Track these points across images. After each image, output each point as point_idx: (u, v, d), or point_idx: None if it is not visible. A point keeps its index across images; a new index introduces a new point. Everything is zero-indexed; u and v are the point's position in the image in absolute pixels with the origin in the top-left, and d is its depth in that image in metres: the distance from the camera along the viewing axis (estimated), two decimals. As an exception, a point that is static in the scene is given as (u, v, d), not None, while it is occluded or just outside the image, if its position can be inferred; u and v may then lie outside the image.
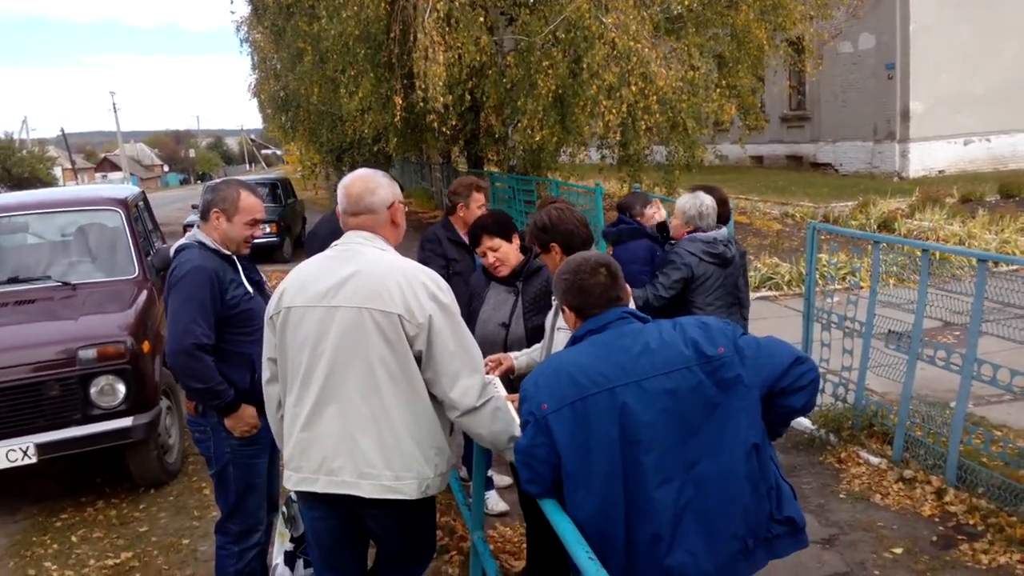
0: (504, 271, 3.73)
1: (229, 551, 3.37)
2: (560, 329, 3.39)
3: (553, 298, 3.52)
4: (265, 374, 2.80)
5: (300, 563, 3.10)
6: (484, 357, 2.87)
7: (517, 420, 2.62)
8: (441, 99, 12.15)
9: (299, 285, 2.66)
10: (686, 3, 13.25)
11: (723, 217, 4.95)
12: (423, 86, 12.22)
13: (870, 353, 5.30)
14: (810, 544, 2.77)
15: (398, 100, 13.02)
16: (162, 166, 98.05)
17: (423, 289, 2.57)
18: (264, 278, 3.56)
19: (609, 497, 2.20)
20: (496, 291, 3.81)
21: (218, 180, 3.58)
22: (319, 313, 2.58)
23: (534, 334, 3.65)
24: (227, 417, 3.21)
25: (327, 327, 2.56)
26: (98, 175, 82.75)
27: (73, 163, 65.09)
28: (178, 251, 3.32)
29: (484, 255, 3.74)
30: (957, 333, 6.89)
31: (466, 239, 4.61)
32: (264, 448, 3.33)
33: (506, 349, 3.69)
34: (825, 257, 7.11)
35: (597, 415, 2.21)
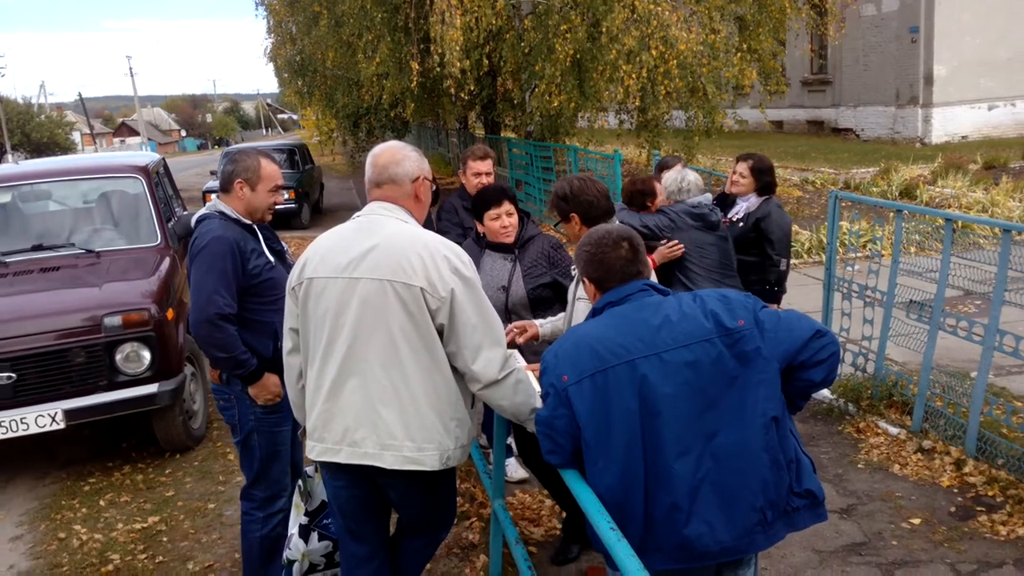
0: (511, 238, 3.82)
1: (254, 517, 3.43)
2: (580, 299, 3.41)
3: (573, 268, 3.55)
4: (286, 344, 2.83)
5: (315, 535, 3.14)
6: None
7: (538, 391, 2.64)
8: (458, 64, 12.07)
9: (321, 256, 2.68)
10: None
11: (769, 186, 4.98)
12: (440, 51, 12.13)
13: (891, 323, 5.28)
14: (828, 519, 2.79)
15: (415, 65, 12.93)
16: (179, 131, 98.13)
17: (445, 262, 2.58)
18: (286, 247, 3.58)
19: (628, 468, 2.22)
20: (492, 258, 3.85)
21: (234, 148, 3.60)
22: (341, 285, 2.59)
23: (534, 295, 3.76)
24: (251, 386, 3.26)
25: (349, 299, 2.58)
26: (116, 140, 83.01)
27: (91, 128, 65.29)
28: (199, 221, 3.34)
29: (498, 218, 3.78)
30: (978, 303, 6.84)
31: None
32: (288, 416, 3.37)
33: (507, 311, 3.74)
34: (846, 225, 7.05)
35: (617, 387, 2.23)
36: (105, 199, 6.40)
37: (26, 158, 29.45)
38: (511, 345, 3.12)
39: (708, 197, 4.65)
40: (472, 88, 13.50)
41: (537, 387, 2.66)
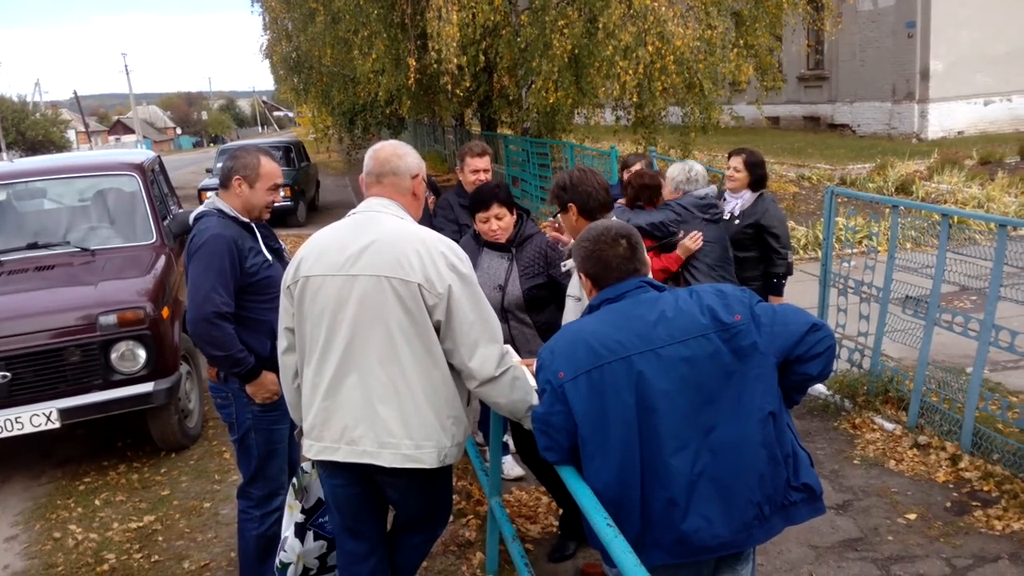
0: (502, 239, 3.80)
1: (251, 515, 3.43)
2: (570, 296, 3.43)
3: (563, 263, 3.56)
4: (282, 344, 2.82)
5: (310, 535, 3.13)
6: None
7: (535, 388, 2.64)
8: (455, 60, 12.03)
9: (317, 254, 2.67)
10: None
11: (762, 180, 4.98)
12: (436, 47, 12.09)
13: (887, 319, 5.29)
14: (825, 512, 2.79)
15: (411, 61, 12.90)
16: (175, 129, 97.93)
17: (442, 259, 2.57)
18: (283, 246, 3.57)
19: (625, 464, 2.22)
20: (489, 256, 3.85)
21: (232, 145, 3.59)
22: (338, 282, 2.58)
23: (530, 295, 3.74)
24: (248, 384, 3.25)
25: (346, 296, 2.57)
26: (111, 138, 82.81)
27: (87, 126, 65.10)
28: (197, 218, 3.33)
29: (487, 221, 3.77)
30: (974, 298, 6.85)
31: None
32: (285, 414, 3.36)
33: (503, 311, 3.74)
34: (842, 221, 7.05)
35: (613, 383, 2.22)
36: (100, 197, 6.38)
37: (21, 156, 29.38)
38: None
39: (713, 189, 4.65)
40: (468, 84, 13.44)
41: (534, 383, 2.66)
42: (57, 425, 4.86)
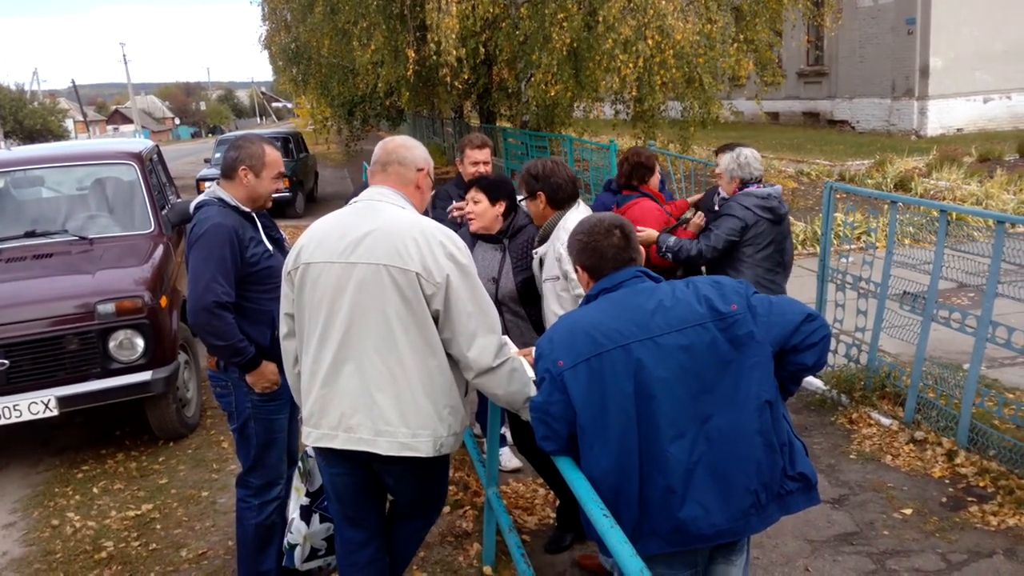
0: (473, 226, 3.80)
1: (249, 504, 3.43)
2: (546, 280, 3.47)
3: (535, 251, 3.60)
4: (282, 329, 2.83)
5: (316, 517, 3.15)
6: None
7: (533, 379, 2.65)
8: (454, 52, 12.00)
9: (317, 241, 2.68)
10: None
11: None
12: (436, 39, 12.07)
13: (884, 314, 5.30)
14: (820, 503, 2.80)
15: (411, 53, 12.87)
16: (173, 119, 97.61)
17: (441, 248, 2.58)
18: (284, 236, 3.57)
19: (624, 452, 2.23)
20: (483, 249, 3.85)
21: (230, 136, 3.58)
22: (337, 270, 2.59)
23: (523, 287, 3.74)
24: (248, 374, 3.25)
25: (345, 284, 2.58)
26: (109, 127, 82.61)
27: (85, 115, 64.87)
28: (198, 208, 3.32)
29: (467, 203, 3.83)
30: (971, 295, 6.86)
31: None
32: (285, 403, 3.37)
33: (498, 303, 3.75)
34: (841, 217, 7.07)
35: (612, 371, 2.24)
36: (98, 186, 6.37)
37: (19, 145, 29.27)
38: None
39: (779, 188, 4.50)
40: (468, 77, 13.42)
41: (532, 374, 2.66)
42: (55, 413, 4.86)
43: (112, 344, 4.97)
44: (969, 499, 4.17)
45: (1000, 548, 3.74)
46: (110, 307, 4.92)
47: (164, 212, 6.28)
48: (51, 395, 4.84)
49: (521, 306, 3.78)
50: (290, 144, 16.94)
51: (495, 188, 3.75)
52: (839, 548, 3.82)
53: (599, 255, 2.43)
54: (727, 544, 2.36)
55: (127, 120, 77.08)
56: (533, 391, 2.60)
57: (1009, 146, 16.21)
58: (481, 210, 3.74)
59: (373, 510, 2.91)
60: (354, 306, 2.57)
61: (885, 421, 5.05)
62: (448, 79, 13.00)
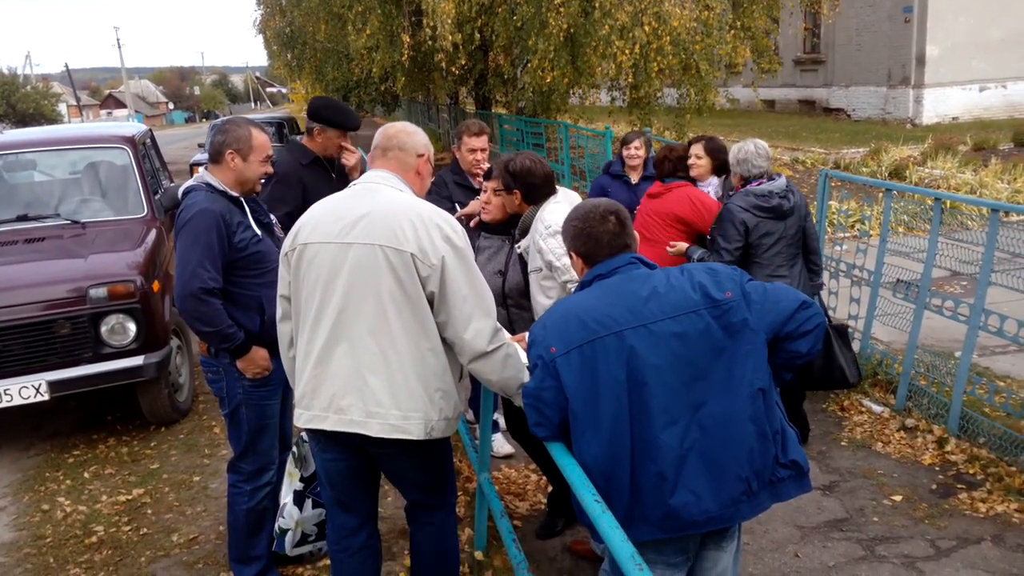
0: (486, 216, 3.80)
1: (241, 490, 3.42)
2: (532, 272, 3.47)
3: (517, 246, 3.62)
4: (278, 311, 2.83)
5: (309, 503, 3.15)
6: None
7: (527, 365, 2.64)
8: (450, 37, 11.96)
9: (315, 222, 2.67)
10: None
11: (725, 165, 4.90)
12: (432, 24, 12.02)
13: (877, 302, 5.30)
14: (812, 491, 2.81)
15: (406, 38, 12.82)
16: (167, 103, 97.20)
17: (437, 231, 2.57)
18: (274, 220, 3.55)
19: (616, 439, 2.23)
20: (489, 240, 3.84)
21: (223, 119, 3.53)
22: (333, 250, 2.58)
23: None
24: (238, 359, 3.24)
25: (340, 264, 2.57)
26: (103, 112, 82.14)
27: (78, 99, 64.54)
28: (185, 193, 3.29)
29: (485, 191, 3.82)
30: (964, 283, 6.88)
31: (472, 182, 4.59)
32: (276, 389, 3.36)
33: (504, 297, 3.74)
34: (835, 204, 7.07)
35: (605, 358, 2.23)
36: (91, 169, 6.34)
37: (11, 129, 29.08)
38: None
39: (782, 182, 4.36)
40: (463, 63, 13.37)
41: (526, 360, 2.66)
42: (46, 398, 4.85)
43: (104, 328, 4.95)
44: (959, 486, 4.19)
45: (988, 535, 3.76)
46: (102, 291, 4.90)
47: (157, 197, 6.24)
48: (42, 379, 4.83)
49: (527, 299, 3.77)
50: (284, 129, 16.85)
51: (516, 179, 3.70)
52: (829, 534, 3.84)
53: (594, 241, 2.42)
54: (718, 530, 2.36)
55: (121, 105, 76.62)
56: (527, 377, 2.60)
57: (1004, 135, 16.23)
58: (497, 203, 3.79)
59: (366, 496, 2.90)
60: (349, 287, 2.56)
61: (876, 408, 5.06)
62: (444, 65, 12.95)
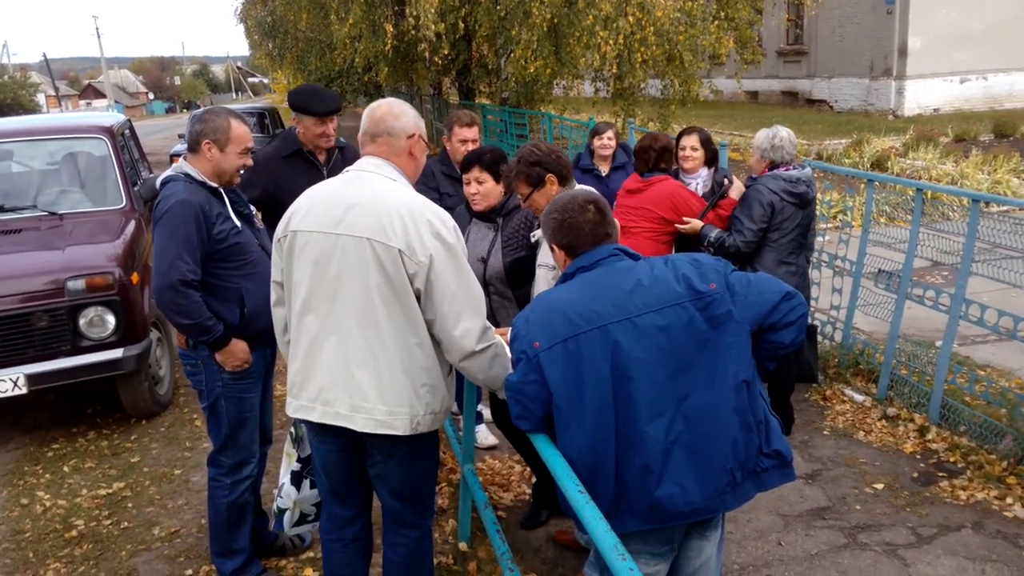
0: (480, 206, 3.73)
1: (221, 483, 3.39)
2: (541, 266, 3.42)
3: (532, 234, 3.55)
4: (272, 297, 2.79)
5: (306, 483, 3.11)
6: None
7: None
8: (433, 27, 11.91)
9: (306, 210, 2.63)
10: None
11: (715, 156, 4.89)
12: (415, 13, 11.95)
13: (859, 292, 5.33)
14: (795, 479, 2.81)
15: (389, 27, 12.75)
16: (147, 94, 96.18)
17: (427, 226, 2.51)
18: (253, 211, 3.51)
19: (600, 432, 2.22)
20: (477, 227, 3.81)
21: (204, 109, 3.48)
22: (322, 240, 2.55)
23: (511, 268, 3.69)
24: (218, 352, 3.20)
25: (330, 255, 2.53)
26: (82, 102, 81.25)
27: (57, 90, 63.69)
28: (164, 183, 3.24)
29: (469, 184, 3.73)
30: (945, 273, 6.92)
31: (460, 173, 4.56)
32: (256, 381, 3.33)
33: (485, 283, 3.70)
34: (818, 196, 7.08)
35: (589, 352, 2.21)
36: (69, 160, 6.24)
37: (-11, 119, 28.69)
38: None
39: (809, 172, 4.41)
40: (447, 52, 13.32)
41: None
42: (24, 391, 4.79)
43: (82, 321, 4.89)
44: (940, 474, 4.23)
45: (969, 522, 3.79)
46: (80, 283, 4.84)
47: (136, 188, 6.17)
48: (20, 373, 4.77)
49: (508, 287, 3.75)
50: (266, 120, 16.69)
51: (497, 164, 3.69)
52: (812, 522, 3.86)
53: (575, 232, 2.40)
54: (702, 520, 2.37)
55: (100, 95, 75.85)
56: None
57: (985, 126, 16.35)
58: (487, 190, 3.68)
59: (362, 487, 2.86)
60: (337, 279, 2.53)
61: (858, 397, 5.09)
62: (427, 54, 12.90)
